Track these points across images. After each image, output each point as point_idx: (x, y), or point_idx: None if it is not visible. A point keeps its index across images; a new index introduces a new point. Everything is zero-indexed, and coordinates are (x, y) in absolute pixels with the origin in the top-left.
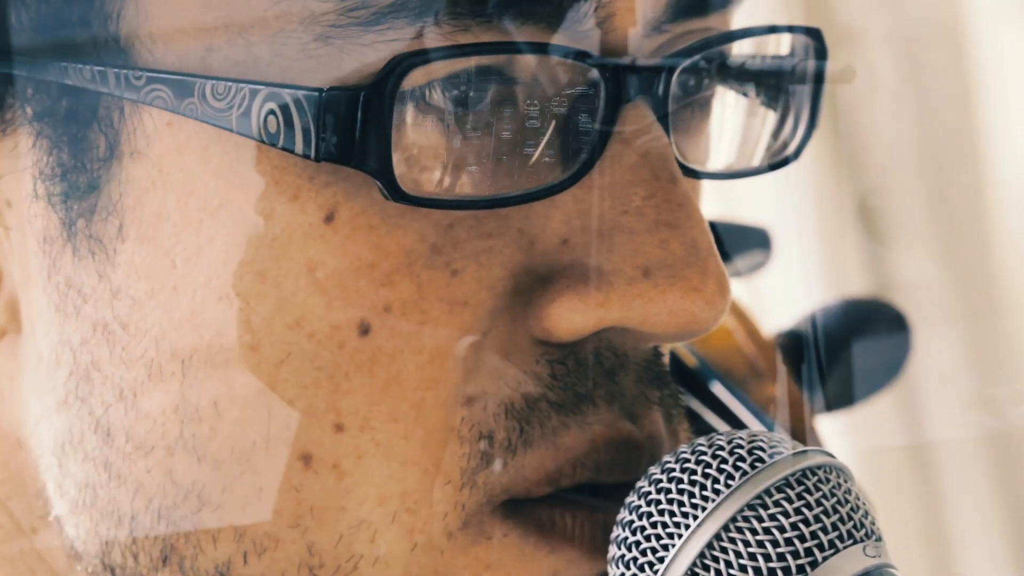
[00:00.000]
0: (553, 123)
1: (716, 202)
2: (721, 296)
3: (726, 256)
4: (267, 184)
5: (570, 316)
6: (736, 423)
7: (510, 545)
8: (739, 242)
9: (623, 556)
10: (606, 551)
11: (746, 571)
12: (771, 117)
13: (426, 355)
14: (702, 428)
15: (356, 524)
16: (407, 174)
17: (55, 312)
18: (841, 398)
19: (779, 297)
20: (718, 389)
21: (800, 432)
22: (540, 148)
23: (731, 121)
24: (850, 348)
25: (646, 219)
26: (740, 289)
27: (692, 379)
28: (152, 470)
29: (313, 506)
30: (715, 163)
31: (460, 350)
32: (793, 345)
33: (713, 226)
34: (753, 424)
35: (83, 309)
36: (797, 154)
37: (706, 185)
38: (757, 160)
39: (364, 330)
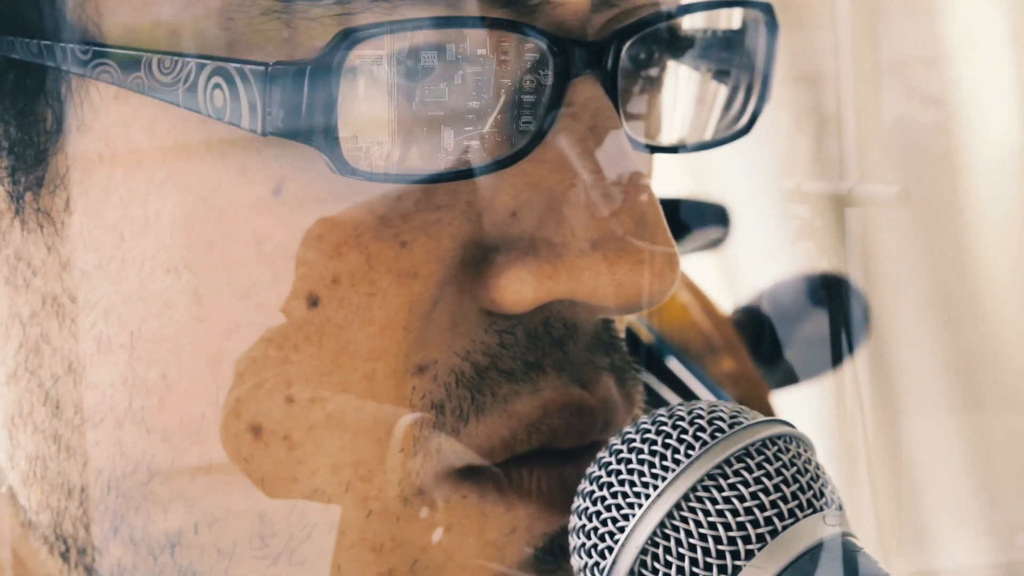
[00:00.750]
0: (502, 98)
1: (677, 178)
2: (670, 269)
3: (684, 231)
4: (214, 158)
5: (519, 288)
6: (692, 398)
7: (468, 506)
8: (697, 218)
9: (583, 526)
10: (565, 506)
11: (706, 540)
12: (723, 91)
13: (376, 326)
14: (658, 403)
15: (309, 494)
16: (354, 148)
17: (4, 285)
18: (795, 374)
19: (737, 273)
20: (674, 364)
21: (756, 408)
22: (488, 122)
23: (683, 95)
24: (806, 324)
25: (594, 192)
26: (700, 265)
27: (648, 355)
28: (101, 442)
29: (264, 477)
30: (667, 137)
31: (409, 321)
32: (749, 321)
33: (669, 202)
34: (709, 399)
35: (32, 282)
36: (749, 127)
37: (669, 160)
38: (710, 134)
39: (313, 302)
